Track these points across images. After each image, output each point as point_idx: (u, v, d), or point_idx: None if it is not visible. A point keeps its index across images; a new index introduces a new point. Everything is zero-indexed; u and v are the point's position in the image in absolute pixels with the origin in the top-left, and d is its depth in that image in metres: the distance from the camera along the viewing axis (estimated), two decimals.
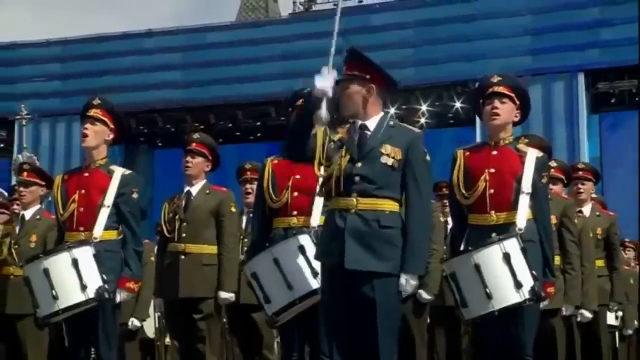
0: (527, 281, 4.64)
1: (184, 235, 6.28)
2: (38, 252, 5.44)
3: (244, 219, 7.22)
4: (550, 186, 6.37)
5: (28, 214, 6.66)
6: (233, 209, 6.45)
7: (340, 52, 4.35)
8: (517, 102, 5.04)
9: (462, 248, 4.95)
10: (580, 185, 7.50)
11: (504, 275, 4.63)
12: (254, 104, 20.62)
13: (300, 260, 4.91)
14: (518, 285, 4.62)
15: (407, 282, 4.40)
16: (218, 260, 6.28)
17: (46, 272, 5.24)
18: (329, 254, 4.50)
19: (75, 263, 5.24)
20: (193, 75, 21.05)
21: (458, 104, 20.27)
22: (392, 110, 20.61)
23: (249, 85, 20.28)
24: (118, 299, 5.46)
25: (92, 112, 5.59)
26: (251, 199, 7.18)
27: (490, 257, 4.65)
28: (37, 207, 6.70)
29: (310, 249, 4.92)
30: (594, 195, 8.07)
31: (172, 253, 6.31)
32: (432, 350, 7.78)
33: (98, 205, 5.45)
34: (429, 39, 20.07)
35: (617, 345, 8.73)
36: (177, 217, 6.32)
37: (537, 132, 19.03)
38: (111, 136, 5.65)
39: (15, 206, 7.77)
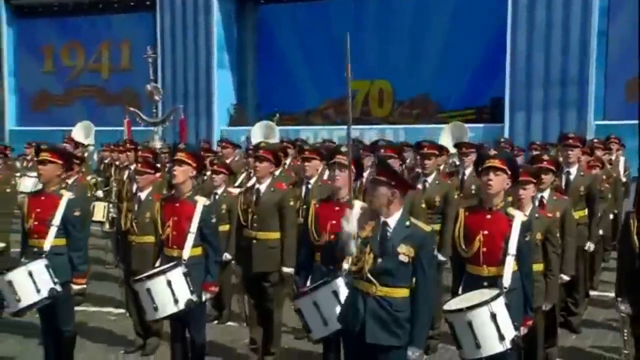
0: (509, 333, 4.25)
1: (255, 224, 5.95)
2: (142, 275, 5.20)
3: (304, 188, 6.81)
4: (542, 176, 5.78)
5: (143, 195, 6.37)
6: (292, 203, 6.03)
7: None
8: (509, 173, 4.47)
9: (459, 291, 4.58)
10: (569, 152, 6.91)
11: (491, 330, 4.22)
12: None
13: (334, 302, 4.55)
14: (502, 337, 4.23)
15: (414, 354, 4.11)
16: (281, 243, 5.95)
17: (148, 290, 5.09)
18: (351, 325, 4.17)
19: (169, 283, 5.08)
20: None
21: None
22: None
23: None
24: (203, 298, 5.29)
25: (179, 156, 5.27)
26: (309, 172, 6.75)
27: (480, 316, 4.23)
28: (150, 189, 6.39)
29: (343, 291, 4.55)
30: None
31: (246, 238, 6.02)
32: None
33: (186, 231, 5.17)
34: None
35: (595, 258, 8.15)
36: (249, 209, 5.97)
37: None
38: (194, 172, 5.31)
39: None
